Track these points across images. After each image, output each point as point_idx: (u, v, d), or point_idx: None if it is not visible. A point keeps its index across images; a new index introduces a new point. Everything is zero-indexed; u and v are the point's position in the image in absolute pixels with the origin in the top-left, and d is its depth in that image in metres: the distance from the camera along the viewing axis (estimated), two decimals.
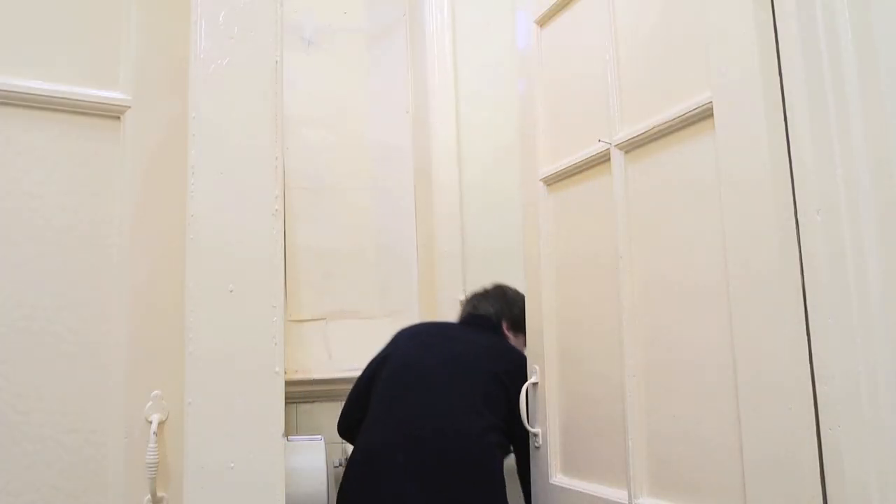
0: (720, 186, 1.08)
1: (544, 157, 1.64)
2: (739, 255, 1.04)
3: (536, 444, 1.57)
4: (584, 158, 1.46)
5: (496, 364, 1.71)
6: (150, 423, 0.99)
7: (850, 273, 0.90)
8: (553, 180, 1.60)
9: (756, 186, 1.00)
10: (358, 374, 1.83)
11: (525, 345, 1.84)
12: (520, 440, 1.63)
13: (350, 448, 2.08)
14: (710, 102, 1.10)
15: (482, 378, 1.68)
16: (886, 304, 0.89)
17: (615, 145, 1.36)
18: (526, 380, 1.61)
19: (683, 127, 1.19)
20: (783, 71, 0.99)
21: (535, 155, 1.66)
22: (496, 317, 1.91)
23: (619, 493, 1.29)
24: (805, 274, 0.95)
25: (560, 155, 1.57)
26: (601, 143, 1.39)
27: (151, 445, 0.97)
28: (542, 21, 1.65)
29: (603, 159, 1.40)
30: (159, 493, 0.98)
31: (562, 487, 1.49)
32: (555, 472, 1.53)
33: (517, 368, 1.67)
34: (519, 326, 1.87)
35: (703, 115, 1.13)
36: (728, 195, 1.06)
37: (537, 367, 1.60)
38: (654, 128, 1.24)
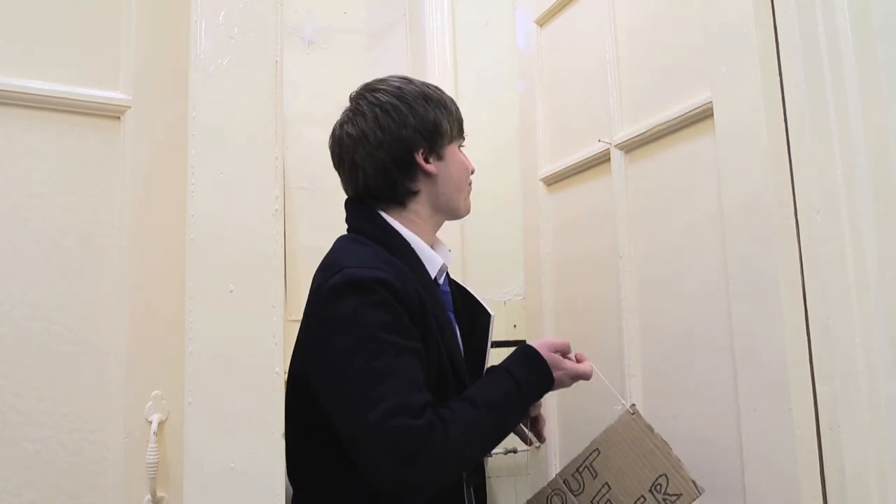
0: (720, 186, 1.08)
1: (544, 157, 1.64)
2: (739, 254, 1.04)
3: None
4: (584, 158, 1.46)
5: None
6: (150, 423, 0.99)
7: (850, 273, 0.90)
8: (553, 180, 1.60)
9: (756, 186, 1.00)
10: None
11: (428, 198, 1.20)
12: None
13: None
14: (710, 102, 1.10)
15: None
16: (886, 305, 0.89)
17: (615, 145, 1.36)
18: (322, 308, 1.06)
19: (683, 127, 1.19)
20: (783, 71, 0.99)
21: (535, 155, 1.66)
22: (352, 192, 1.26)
23: None
24: (805, 274, 0.95)
25: (560, 155, 1.57)
26: (601, 143, 1.39)
27: (151, 445, 0.97)
28: (542, 21, 1.65)
29: (603, 159, 1.40)
30: (159, 493, 0.98)
31: None
32: (555, 472, 1.52)
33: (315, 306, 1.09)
34: (380, 192, 1.18)
35: (703, 115, 1.13)
36: (728, 195, 1.06)
37: None
38: (654, 128, 1.24)
